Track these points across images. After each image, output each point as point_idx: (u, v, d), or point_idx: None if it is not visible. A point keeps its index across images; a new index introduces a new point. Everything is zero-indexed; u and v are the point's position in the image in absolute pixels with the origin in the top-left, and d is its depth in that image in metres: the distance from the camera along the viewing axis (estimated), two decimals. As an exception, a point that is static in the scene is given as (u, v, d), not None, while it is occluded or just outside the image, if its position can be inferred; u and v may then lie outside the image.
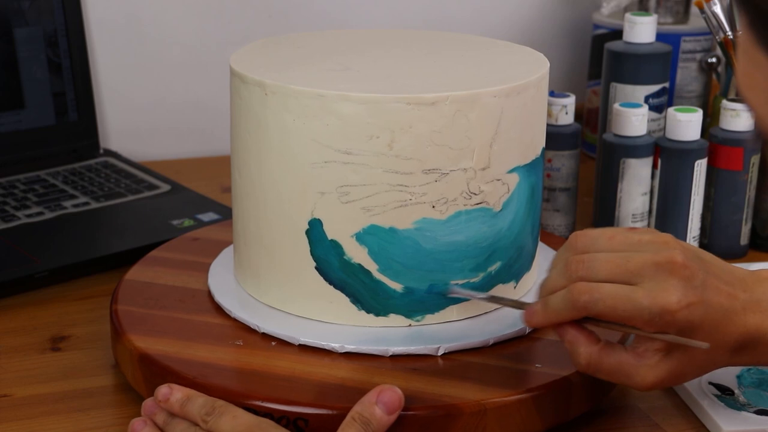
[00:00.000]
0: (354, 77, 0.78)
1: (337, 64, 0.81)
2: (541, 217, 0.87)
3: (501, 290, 0.80)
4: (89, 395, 0.80)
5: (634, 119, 1.01)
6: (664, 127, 1.05)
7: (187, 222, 1.05)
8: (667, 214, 1.02)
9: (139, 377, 0.77)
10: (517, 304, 0.76)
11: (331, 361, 0.76)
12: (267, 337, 0.78)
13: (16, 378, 0.82)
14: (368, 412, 0.68)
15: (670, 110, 1.02)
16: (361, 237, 0.76)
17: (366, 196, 0.75)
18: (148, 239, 1.00)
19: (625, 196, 1.02)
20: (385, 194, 0.75)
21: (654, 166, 1.02)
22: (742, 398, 0.79)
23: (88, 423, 0.77)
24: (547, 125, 1.06)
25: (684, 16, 1.31)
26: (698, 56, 1.28)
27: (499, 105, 0.76)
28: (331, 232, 0.76)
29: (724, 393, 0.80)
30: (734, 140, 1.01)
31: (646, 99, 1.11)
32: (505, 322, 0.79)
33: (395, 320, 0.78)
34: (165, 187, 1.14)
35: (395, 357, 0.76)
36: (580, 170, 1.08)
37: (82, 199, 1.10)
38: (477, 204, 0.77)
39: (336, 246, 0.77)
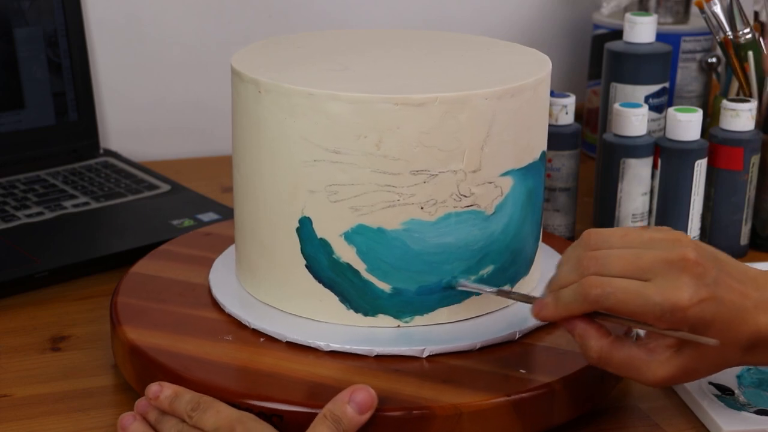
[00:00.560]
0: (348, 77, 0.78)
1: (336, 64, 0.81)
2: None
3: None
4: (89, 395, 0.80)
5: (634, 119, 1.01)
6: (664, 127, 1.05)
7: (187, 222, 1.05)
8: (667, 214, 1.02)
9: (130, 369, 0.78)
10: (526, 299, 0.76)
11: (316, 359, 0.76)
12: (257, 333, 0.79)
13: (16, 378, 0.82)
14: (340, 411, 0.68)
15: (670, 110, 1.02)
16: (349, 236, 0.76)
17: (354, 195, 0.75)
18: (148, 239, 1.00)
19: (625, 196, 1.02)
20: (373, 194, 0.75)
21: (654, 166, 1.02)
22: (742, 398, 0.79)
23: (88, 423, 0.77)
24: (548, 126, 1.06)
25: (684, 16, 1.31)
26: (698, 56, 1.28)
27: (490, 107, 0.76)
28: (320, 230, 0.77)
29: (724, 393, 0.80)
30: (734, 140, 1.01)
31: (646, 99, 1.11)
32: (495, 327, 0.79)
33: (384, 321, 0.79)
34: (165, 187, 1.14)
35: (380, 357, 0.76)
36: (580, 170, 1.08)
37: (82, 199, 1.10)
38: (467, 206, 0.77)
39: (325, 245, 0.77)
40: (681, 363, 0.69)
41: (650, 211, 1.03)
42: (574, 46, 1.45)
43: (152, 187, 1.14)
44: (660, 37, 1.14)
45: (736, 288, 0.68)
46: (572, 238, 1.05)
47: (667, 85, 1.13)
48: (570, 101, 1.06)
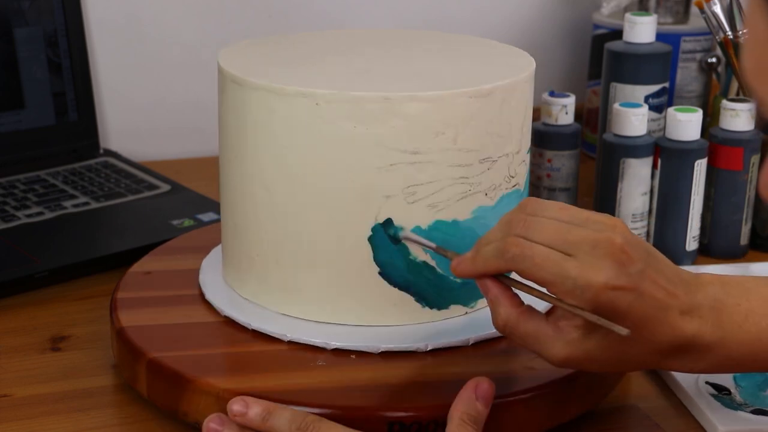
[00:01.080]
0: (379, 77, 0.78)
1: (352, 65, 0.81)
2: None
3: None
4: (89, 395, 0.80)
5: (634, 119, 1.01)
6: (664, 127, 1.05)
7: (187, 222, 1.05)
8: (667, 214, 1.02)
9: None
10: (455, 256, 0.74)
11: (418, 362, 0.76)
12: (345, 352, 0.77)
13: (16, 378, 0.82)
14: (474, 410, 0.68)
15: (670, 110, 1.02)
16: (426, 234, 0.77)
17: (432, 193, 0.76)
18: (148, 239, 1.00)
19: (625, 196, 1.02)
20: (449, 188, 0.77)
21: (654, 166, 1.02)
22: (738, 398, 0.79)
23: (88, 423, 0.77)
24: (547, 125, 1.06)
25: (684, 16, 1.31)
26: (698, 56, 1.28)
27: (529, 90, 0.81)
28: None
29: (721, 392, 0.80)
30: (734, 140, 1.01)
31: (646, 99, 1.11)
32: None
33: (454, 311, 0.80)
34: (165, 187, 1.14)
35: (476, 344, 0.78)
36: (580, 170, 1.08)
37: (82, 199, 1.10)
38: (514, 186, 0.80)
39: (402, 247, 0.77)
40: (587, 347, 0.67)
41: (650, 211, 1.03)
42: (574, 46, 1.45)
43: (152, 187, 1.14)
44: (660, 37, 1.14)
45: (664, 286, 0.66)
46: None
47: (667, 85, 1.13)
48: (570, 101, 1.06)
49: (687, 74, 1.28)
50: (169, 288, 0.86)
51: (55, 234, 1.02)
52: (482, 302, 0.81)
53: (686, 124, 1.00)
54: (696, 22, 1.29)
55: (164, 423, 0.76)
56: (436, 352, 0.77)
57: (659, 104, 1.13)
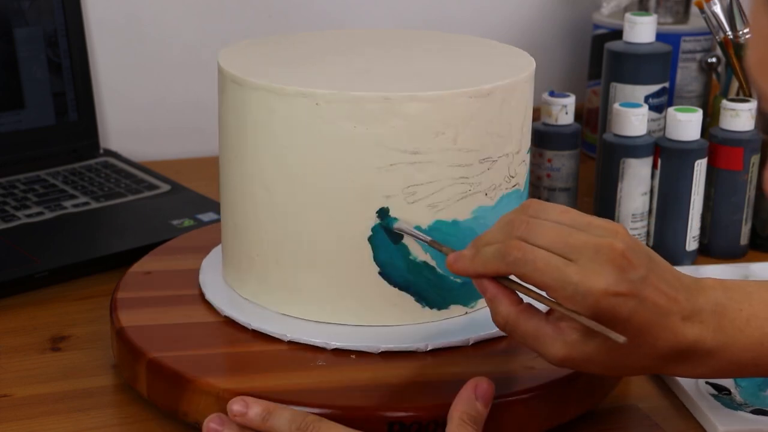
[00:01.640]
0: (380, 77, 0.78)
1: (352, 66, 0.81)
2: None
3: None
4: (89, 395, 0.80)
5: (634, 119, 1.01)
6: (664, 127, 1.05)
7: (187, 222, 1.05)
8: (667, 214, 1.02)
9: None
10: (450, 251, 0.73)
11: (418, 361, 0.76)
12: (344, 352, 0.77)
13: (16, 378, 0.82)
14: (474, 410, 0.68)
15: (670, 110, 1.02)
16: (426, 234, 0.76)
17: (432, 193, 0.76)
18: (148, 239, 1.00)
19: (625, 196, 1.02)
20: (449, 188, 0.77)
21: (654, 166, 1.02)
22: (738, 398, 0.79)
23: (88, 423, 0.77)
24: (547, 125, 1.06)
25: (684, 16, 1.31)
26: (698, 56, 1.28)
27: (528, 90, 0.80)
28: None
29: (721, 392, 0.80)
30: (734, 140, 1.01)
31: (646, 99, 1.11)
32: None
33: (454, 311, 0.80)
34: (165, 187, 1.14)
35: (476, 344, 0.78)
36: (580, 170, 1.08)
37: (82, 199, 1.10)
38: (514, 186, 0.80)
39: (402, 247, 0.77)
40: (585, 350, 0.66)
41: (650, 211, 1.03)
42: (574, 46, 1.45)
43: (152, 187, 1.14)
44: (660, 37, 1.14)
45: (665, 292, 0.66)
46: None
47: (667, 85, 1.13)
48: (570, 101, 1.06)
49: (687, 74, 1.28)
50: (169, 288, 0.86)
51: (55, 234, 1.02)
52: (482, 302, 0.81)
53: (686, 124, 1.00)
54: (696, 22, 1.29)
55: (164, 423, 0.76)
56: (436, 352, 0.77)
57: (659, 104, 1.13)
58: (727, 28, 1.09)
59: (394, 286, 0.78)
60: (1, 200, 1.08)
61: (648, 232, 1.03)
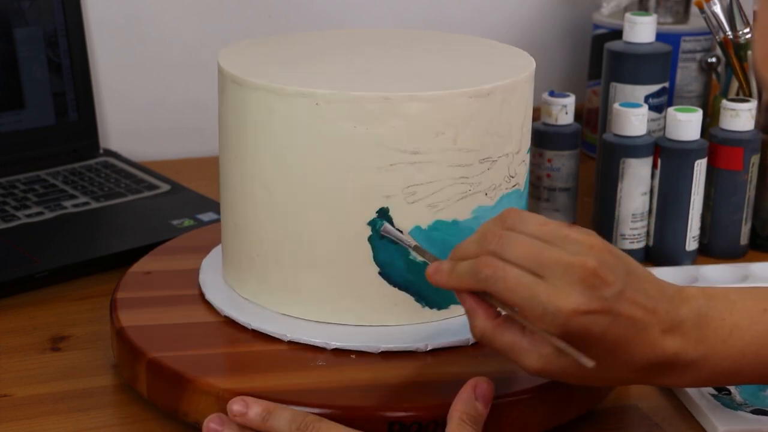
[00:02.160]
0: (381, 77, 0.78)
1: (353, 65, 0.81)
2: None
3: None
4: (89, 395, 0.80)
5: (633, 119, 1.01)
6: (664, 127, 1.05)
7: (187, 222, 1.05)
8: (667, 214, 1.02)
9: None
10: (433, 259, 0.74)
11: (417, 362, 0.76)
12: (344, 352, 0.77)
13: (16, 378, 0.82)
14: (473, 410, 0.68)
15: (670, 110, 1.02)
16: (426, 234, 0.77)
17: (432, 192, 0.76)
18: (148, 239, 0.99)
19: (625, 196, 1.02)
20: (449, 188, 0.77)
21: (654, 166, 1.02)
22: (738, 398, 0.79)
23: (88, 423, 0.77)
24: (547, 125, 1.06)
25: (684, 16, 1.31)
26: (698, 56, 1.28)
27: (528, 90, 0.80)
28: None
29: (721, 392, 0.80)
30: (734, 140, 1.01)
31: (646, 99, 1.11)
32: None
33: (454, 311, 0.80)
34: (165, 187, 1.14)
35: (475, 345, 0.77)
36: (580, 170, 1.08)
37: (82, 199, 1.10)
38: (514, 186, 0.80)
39: (402, 247, 0.77)
40: (561, 363, 0.66)
41: (650, 211, 1.03)
42: (574, 46, 1.45)
43: (152, 187, 1.14)
44: (660, 37, 1.14)
45: (643, 305, 0.65)
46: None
47: (666, 85, 1.13)
48: (570, 101, 1.06)
49: (687, 74, 1.28)
50: (169, 288, 0.86)
51: (55, 234, 1.02)
52: None
53: (686, 124, 1.00)
54: (696, 22, 1.29)
55: (164, 423, 0.76)
56: (436, 352, 0.77)
57: (659, 104, 1.13)
58: (727, 28, 1.09)
59: (394, 286, 0.78)
60: (1, 200, 1.08)
61: (648, 232, 1.03)
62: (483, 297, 0.69)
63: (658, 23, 1.17)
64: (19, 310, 0.92)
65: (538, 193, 1.07)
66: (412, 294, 0.78)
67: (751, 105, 1.01)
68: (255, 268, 0.81)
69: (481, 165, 0.77)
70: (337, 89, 0.75)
